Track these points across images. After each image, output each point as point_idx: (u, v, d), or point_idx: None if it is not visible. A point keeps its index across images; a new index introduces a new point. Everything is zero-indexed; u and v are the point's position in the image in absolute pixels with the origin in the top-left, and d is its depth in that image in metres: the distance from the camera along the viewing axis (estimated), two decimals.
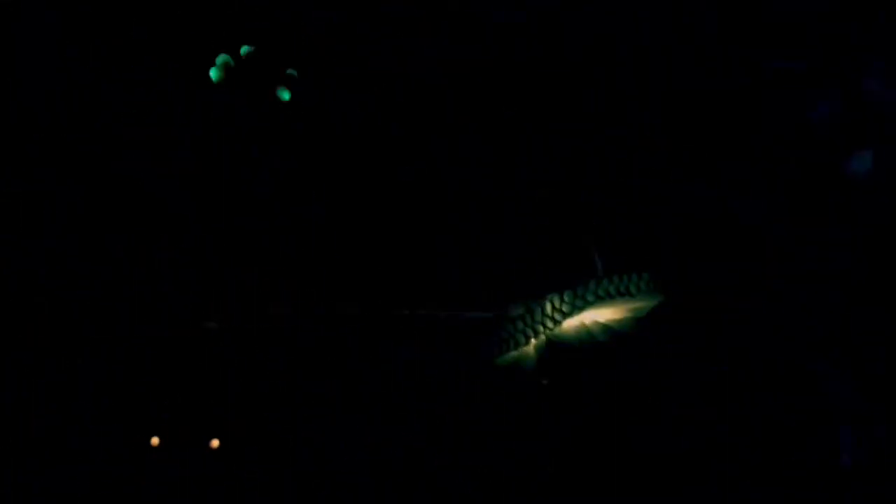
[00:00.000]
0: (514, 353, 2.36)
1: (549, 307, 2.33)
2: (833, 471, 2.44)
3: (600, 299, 2.32)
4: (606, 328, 2.33)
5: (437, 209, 3.07)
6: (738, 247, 2.66)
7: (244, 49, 2.54)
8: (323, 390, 3.01)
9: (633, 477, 2.34)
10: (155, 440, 3.00)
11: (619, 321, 2.35)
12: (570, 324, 2.33)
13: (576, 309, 2.32)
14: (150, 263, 3.13)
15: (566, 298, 2.32)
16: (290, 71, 2.57)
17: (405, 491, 2.86)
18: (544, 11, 3.03)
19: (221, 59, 2.52)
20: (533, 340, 2.34)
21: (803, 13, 2.90)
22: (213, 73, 2.55)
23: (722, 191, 2.88)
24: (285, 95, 2.53)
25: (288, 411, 3.01)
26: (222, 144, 3.15)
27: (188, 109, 3.15)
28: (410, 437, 2.88)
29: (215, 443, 2.99)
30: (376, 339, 2.94)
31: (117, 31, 3.13)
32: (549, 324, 2.32)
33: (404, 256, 3.03)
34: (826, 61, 2.88)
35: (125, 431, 3.04)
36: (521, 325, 2.35)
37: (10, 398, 3.03)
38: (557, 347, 2.32)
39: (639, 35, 2.99)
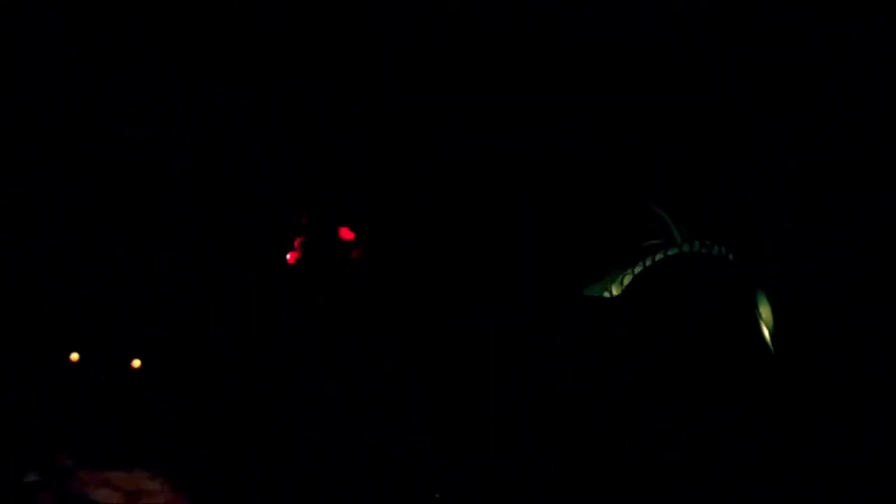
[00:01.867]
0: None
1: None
2: (833, 471, 2.44)
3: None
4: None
5: (437, 209, 3.07)
6: (739, 246, 2.66)
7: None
8: (323, 390, 3.01)
9: (634, 476, 2.34)
10: (74, 356, 2.98)
11: None
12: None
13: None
14: (150, 263, 3.13)
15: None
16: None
17: (405, 491, 2.86)
18: (544, 11, 3.04)
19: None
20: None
21: (803, 13, 2.90)
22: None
23: (722, 190, 2.88)
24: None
25: (288, 411, 3.01)
26: (222, 144, 3.15)
27: (188, 109, 3.15)
28: (410, 437, 2.88)
29: (136, 363, 2.97)
30: (376, 339, 2.94)
31: (117, 31, 3.13)
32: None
33: (405, 257, 3.03)
34: (826, 61, 2.88)
35: (125, 431, 3.04)
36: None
37: (10, 398, 3.03)
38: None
39: (639, 35, 2.99)
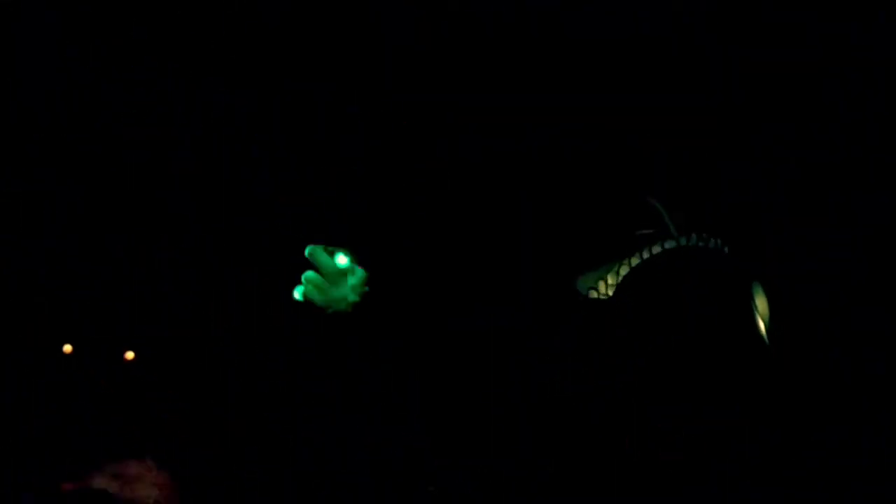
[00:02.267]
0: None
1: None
2: (833, 471, 2.44)
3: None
4: None
5: (437, 209, 3.07)
6: (737, 242, 2.66)
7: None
8: (323, 390, 3.02)
9: (634, 476, 2.34)
10: (68, 348, 2.98)
11: None
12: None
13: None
14: (150, 263, 3.13)
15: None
16: None
17: (405, 491, 2.86)
18: (544, 11, 3.04)
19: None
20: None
21: (803, 13, 2.90)
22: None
23: (722, 190, 2.88)
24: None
25: (288, 411, 3.01)
26: (222, 144, 3.15)
27: (188, 109, 3.15)
28: (410, 437, 2.88)
29: (129, 355, 2.97)
30: (376, 339, 2.94)
31: (117, 31, 3.13)
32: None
33: (405, 256, 3.03)
34: (826, 61, 2.88)
35: (125, 431, 3.04)
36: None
37: (11, 398, 3.03)
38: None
39: (639, 35, 2.99)
